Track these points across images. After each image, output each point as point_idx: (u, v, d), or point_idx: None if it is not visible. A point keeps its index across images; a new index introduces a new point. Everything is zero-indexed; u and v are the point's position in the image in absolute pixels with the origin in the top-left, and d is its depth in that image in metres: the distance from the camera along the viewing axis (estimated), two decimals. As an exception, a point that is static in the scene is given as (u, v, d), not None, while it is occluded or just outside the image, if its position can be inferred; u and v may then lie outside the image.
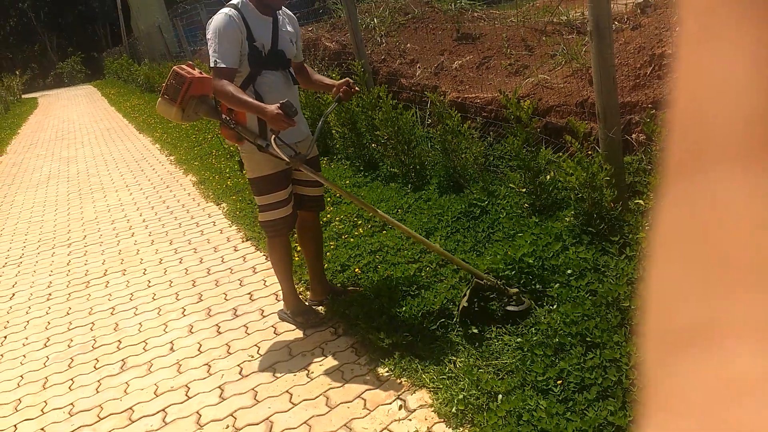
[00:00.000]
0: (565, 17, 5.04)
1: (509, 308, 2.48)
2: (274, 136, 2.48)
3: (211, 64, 2.49)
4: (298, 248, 3.22)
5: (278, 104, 2.38)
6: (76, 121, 14.29)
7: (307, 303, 3.08)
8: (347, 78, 2.79)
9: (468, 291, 2.51)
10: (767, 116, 0.14)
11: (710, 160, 0.15)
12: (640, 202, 2.41)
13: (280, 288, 3.28)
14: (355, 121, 4.81)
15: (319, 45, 6.59)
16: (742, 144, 0.15)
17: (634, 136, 2.97)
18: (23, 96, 27.48)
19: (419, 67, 5.37)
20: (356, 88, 2.76)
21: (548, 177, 3.05)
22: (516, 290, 2.51)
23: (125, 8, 30.22)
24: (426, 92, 4.25)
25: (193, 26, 13.28)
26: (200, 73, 2.65)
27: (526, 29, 4.98)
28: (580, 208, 2.76)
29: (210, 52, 2.51)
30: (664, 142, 0.17)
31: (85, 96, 23.06)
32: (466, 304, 2.48)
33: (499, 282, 2.52)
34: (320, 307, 3.08)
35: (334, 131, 5.26)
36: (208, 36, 2.53)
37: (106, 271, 4.21)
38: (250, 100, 2.48)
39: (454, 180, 3.88)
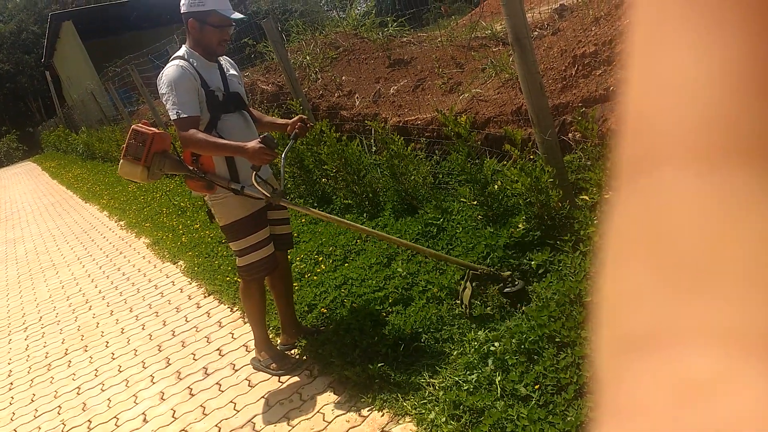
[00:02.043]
0: (489, 31, 5.21)
1: (507, 290, 2.61)
2: (255, 173, 2.47)
3: (173, 117, 2.44)
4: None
5: (259, 139, 2.39)
6: (19, 200, 13.84)
7: (278, 348, 3.03)
8: (300, 115, 2.80)
9: (467, 282, 2.65)
10: (720, 116, 0.14)
11: (662, 160, 0.15)
12: (585, 198, 2.48)
13: (249, 339, 3.23)
14: (301, 158, 4.82)
15: (256, 89, 6.61)
16: (694, 144, 0.15)
17: (570, 135, 3.06)
18: (-41, 182, 26.47)
19: (357, 98, 5.44)
20: (311, 123, 2.80)
21: (496, 186, 3.11)
22: (509, 273, 2.66)
23: (55, 80, 29.74)
24: (367, 121, 4.30)
25: (126, 87, 13.13)
26: (158, 129, 2.61)
27: (454, 48, 5.12)
28: (530, 212, 2.82)
29: (168, 105, 2.46)
30: (614, 142, 0.17)
31: (25, 173, 22.41)
32: (469, 293, 2.62)
33: (491, 269, 2.67)
34: (293, 350, 3.03)
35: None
36: (163, 90, 2.48)
37: (67, 350, 4.05)
38: (227, 141, 2.47)
39: (407, 203, 3.91)
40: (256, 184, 2.49)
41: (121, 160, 2.54)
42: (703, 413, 0.13)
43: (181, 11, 2.54)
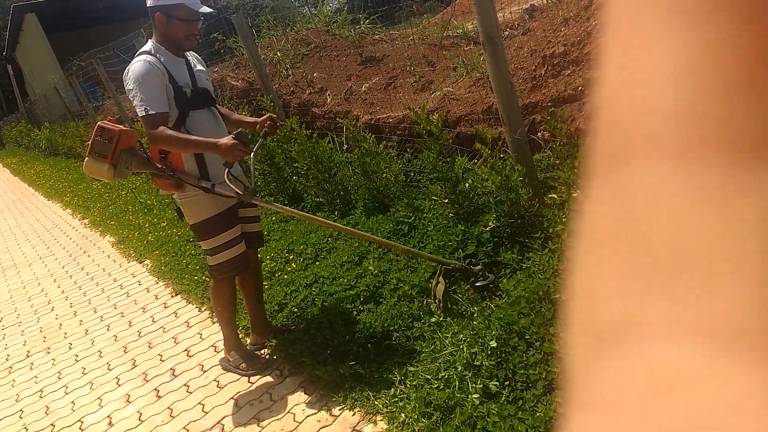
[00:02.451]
0: (461, 30, 5.23)
1: (478, 284, 2.67)
2: (227, 170, 2.42)
3: (142, 114, 2.38)
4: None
5: (233, 135, 2.36)
6: (-23, 198, 13.40)
7: (248, 348, 2.99)
8: (270, 113, 2.76)
9: (440, 277, 2.69)
10: (692, 111, 0.14)
11: (635, 156, 0.15)
12: (554, 196, 2.51)
13: (217, 339, 3.18)
14: (272, 156, 4.77)
15: (226, 85, 6.51)
16: (666, 139, 0.15)
17: (539, 134, 3.10)
18: None
19: (329, 95, 5.41)
20: (281, 122, 2.76)
21: (467, 185, 3.12)
22: (480, 267, 2.72)
23: (17, 73, 28.86)
24: (339, 118, 4.28)
25: (90, 82, 12.81)
26: (124, 125, 2.54)
27: (426, 46, 5.13)
28: (500, 210, 2.84)
29: (136, 102, 2.39)
30: (586, 139, 0.17)
31: (-16, 169, 21.70)
32: (443, 288, 2.67)
33: (463, 263, 2.73)
34: (263, 350, 3.00)
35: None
36: (129, 87, 2.41)
37: (29, 352, 3.93)
38: (199, 138, 2.42)
39: (378, 201, 3.90)
40: (228, 182, 2.44)
41: (87, 158, 2.46)
42: (674, 407, 0.13)
43: (148, 5, 2.48)
